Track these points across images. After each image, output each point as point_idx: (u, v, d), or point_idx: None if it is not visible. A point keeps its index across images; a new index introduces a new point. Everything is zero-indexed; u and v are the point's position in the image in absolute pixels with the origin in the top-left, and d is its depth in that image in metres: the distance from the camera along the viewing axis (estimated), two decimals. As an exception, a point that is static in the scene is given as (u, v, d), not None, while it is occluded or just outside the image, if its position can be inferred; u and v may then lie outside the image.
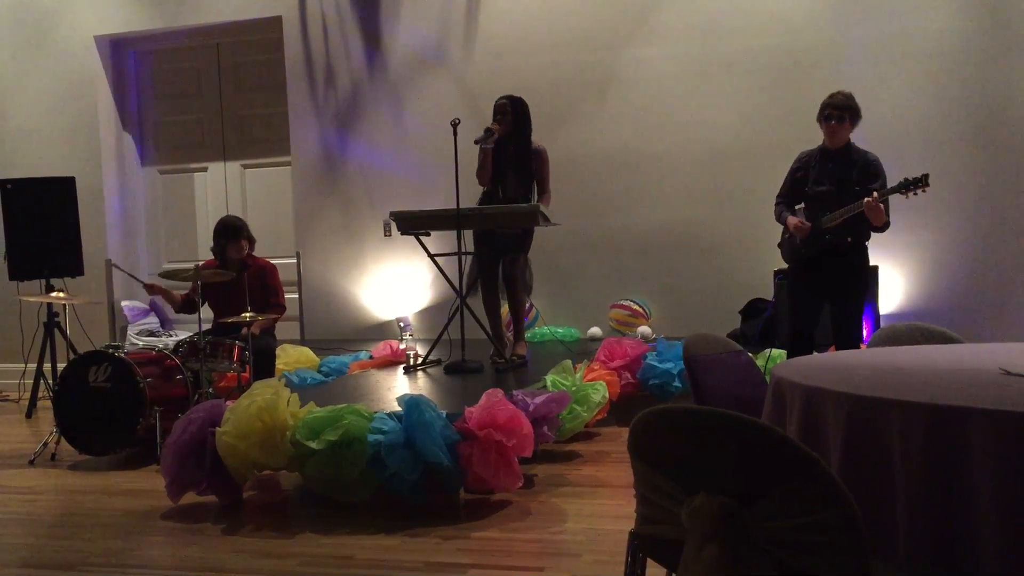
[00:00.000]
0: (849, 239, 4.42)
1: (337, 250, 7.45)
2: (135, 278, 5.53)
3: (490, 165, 5.28)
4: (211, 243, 5.64)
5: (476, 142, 5.19)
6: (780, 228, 4.74)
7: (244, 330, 5.12)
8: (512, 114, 5.27)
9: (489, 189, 5.38)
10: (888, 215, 4.39)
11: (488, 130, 5.21)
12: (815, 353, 4.47)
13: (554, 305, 6.76)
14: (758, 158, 6.40)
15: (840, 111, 4.36)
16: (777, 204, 4.68)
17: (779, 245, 4.75)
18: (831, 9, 6.39)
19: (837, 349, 4.42)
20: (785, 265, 4.82)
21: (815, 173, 4.50)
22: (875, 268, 5.98)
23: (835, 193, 4.40)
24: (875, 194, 4.22)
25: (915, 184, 4.20)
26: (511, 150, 5.31)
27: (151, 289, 5.48)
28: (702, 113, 6.62)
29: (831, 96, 4.43)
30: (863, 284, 4.63)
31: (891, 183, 4.35)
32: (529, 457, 3.86)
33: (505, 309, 5.64)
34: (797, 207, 4.63)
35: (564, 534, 3.47)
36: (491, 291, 5.48)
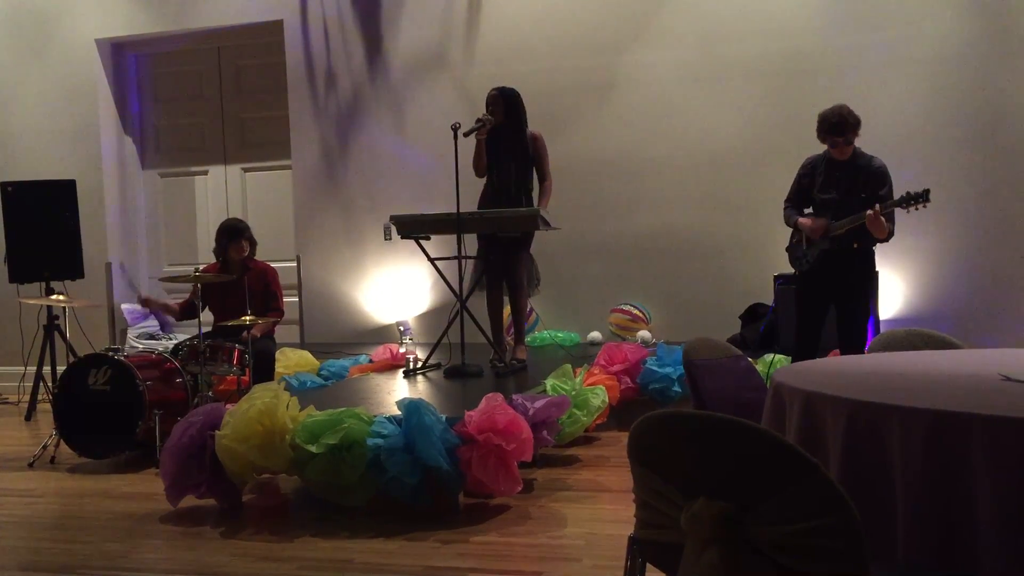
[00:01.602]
0: (856, 244, 4.44)
1: (337, 254, 7.45)
2: (133, 287, 5.54)
3: (484, 155, 5.30)
4: (212, 245, 5.67)
5: (466, 134, 5.19)
6: (784, 232, 4.75)
7: (244, 334, 5.12)
8: (503, 104, 5.28)
9: (487, 180, 5.38)
10: (893, 223, 4.41)
11: (479, 120, 5.22)
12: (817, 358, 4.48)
13: (554, 309, 6.76)
14: (759, 163, 6.41)
15: (842, 135, 4.38)
16: (785, 208, 4.70)
17: (787, 249, 4.76)
18: (832, 14, 6.39)
19: (841, 352, 4.42)
20: (787, 269, 4.83)
21: (821, 180, 4.53)
22: (876, 273, 5.99)
23: (841, 200, 4.43)
24: (877, 206, 4.23)
25: (916, 199, 4.23)
26: (506, 139, 5.31)
27: (146, 303, 5.51)
28: (703, 118, 6.62)
29: (826, 118, 4.40)
30: (869, 287, 4.65)
31: (894, 190, 4.37)
32: (529, 461, 3.86)
33: (506, 312, 5.64)
34: (806, 211, 4.65)
35: (563, 538, 3.46)
36: (495, 291, 5.49)
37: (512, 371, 5.28)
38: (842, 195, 4.44)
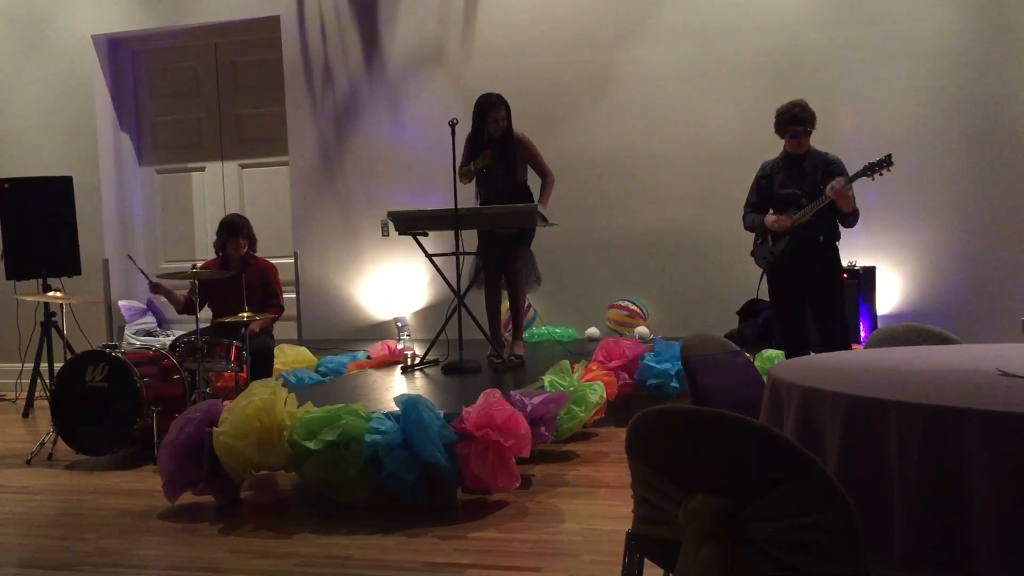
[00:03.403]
0: (821, 238, 4.51)
1: (335, 250, 7.45)
2: (144, 273, 5.51)
3: (473, 176, 5.32)
4: (210, 241, 5.68)
5: (472, 168, 5.21)
6: None
7: (242, 329, 5.12)
8: (507, 113, 5.27)
9: (479, 185, 5.37)
10: (855, 204, 4.49)
11: (484, 157, 5.21)
12: (812, 354, 4.50)
13: (552, 305, 6.76)
14: (756, 158, 6.33)
15: (804, 126, 4.53)
16: (746, 214, 4.78)
17: (752, 253, 4.84)
18: (829, 10, 6.39)
19: (827, 350, 4.44)
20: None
21: (780, 178, 4.63)
22: (872, 269, 6.01)
23: (800, 194, 4.54)
24: (841, 179, 4.36)
25: (879, 165, 4.34)
26: (500, 149, 5.29)
27: (156, 288, 5.48)
28: (700, 113, 6.62)
29: (788, 112, 4.54)
30: (839, 283, 4.73)
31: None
32: (527, 457, 3.86)
33: (504, 308, 5.64)
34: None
35: (562, 534, 3.47)
36: (493, 287, 5.49)
37: (510, 367, 5.28)
38: (802, 189, 4.52)
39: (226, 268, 5.43)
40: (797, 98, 4.60)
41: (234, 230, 5.48)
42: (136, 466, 4.82)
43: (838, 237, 4.62)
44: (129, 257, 5.85)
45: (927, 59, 6.21)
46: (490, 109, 5.20)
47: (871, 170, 4.38)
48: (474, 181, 5.40)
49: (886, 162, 4.35)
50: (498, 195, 5.30)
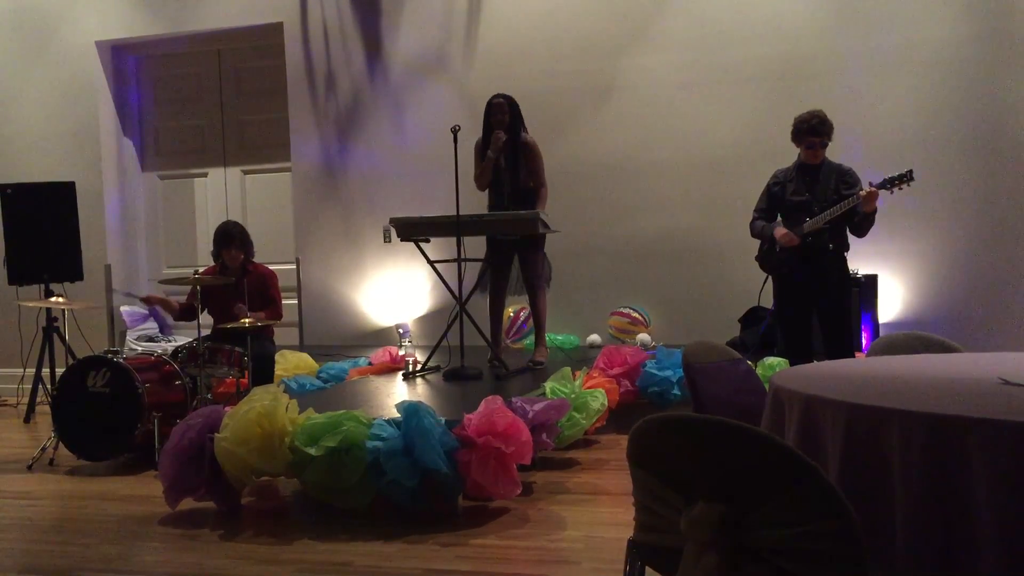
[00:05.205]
0: (831, 246, 4.52)
1: (337, 256, 7.45)
2: (132, 295, 5.54)
3: (491, 172, 5.31)
4: (212, 248, 5.67)
5: (492, 155, 5.21)
6: None
7: (238, 313, 5.09)
8: (509, 111, 5.30)
9: (492, 190, 5.38)
10: (872, 223, 4.50)
11: (497, 139, 5.22)
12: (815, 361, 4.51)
13: (554, 312, 6.72)
14: (758, 166, 6.37)
15: (822, 138, 4.54)
16: (755, 220, 4.77)
17: (756, 258, 4.84)
18: (832, 18, 6.40)
19: (830, 358, 4.44)
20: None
21: (793, 186, 4.64)
22: (874, 277, 6.00)
23: (813, 202, 4.54)
24: (870, 183, 4.39)
25: (899, 179, 4.35)
26: (507, 149, 5.32)
27: (148, 300, 5.52)
28: (702, 121, 6.63)
29: (806, 123, 4.54)
30: (848, 292, 4.74)
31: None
32: (528, 464, 3.86)
33: (505, 314, 5.63)
34: (775, 221, 4.74)
35: (563, 542, 3.46)
36: (498, 294, 5.49)
37: (512, 374, 5.24)
38: (814, 196, 4.53)
39: (225, 275, 5.43)
40: (816, 108, 4.59)
41: (227, 240, 5.47)
42: (137, 472, 4.81)
43: (847, 247, 4.63)
44: (118, 291, 5.96)
45: (929, 67, 6.22)
46: (492, 106, 5.32)
47: (891, 183, 4.37)
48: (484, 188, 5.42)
49: (907, 177, 4.36)
50: (503, 200, 5.31)
